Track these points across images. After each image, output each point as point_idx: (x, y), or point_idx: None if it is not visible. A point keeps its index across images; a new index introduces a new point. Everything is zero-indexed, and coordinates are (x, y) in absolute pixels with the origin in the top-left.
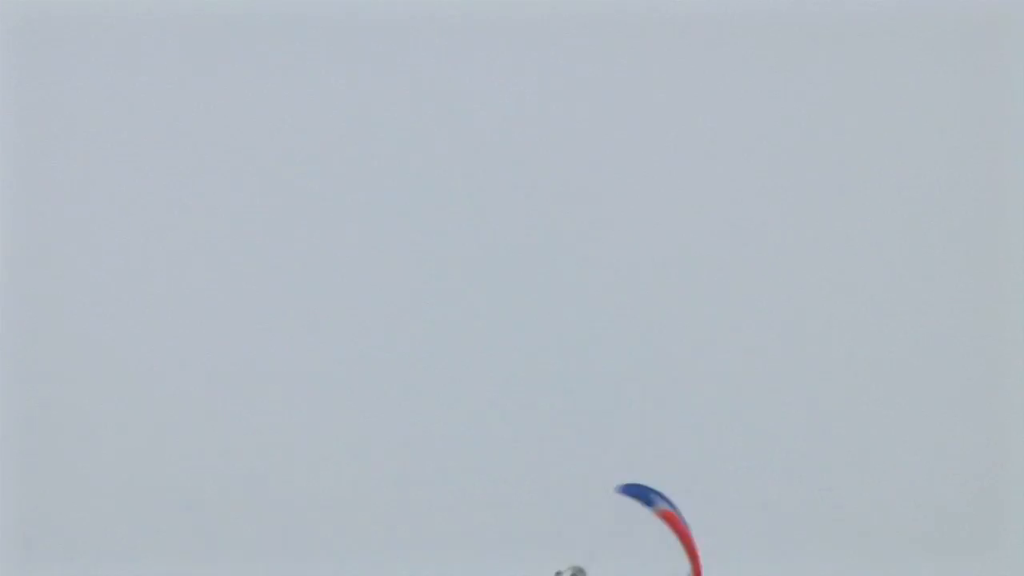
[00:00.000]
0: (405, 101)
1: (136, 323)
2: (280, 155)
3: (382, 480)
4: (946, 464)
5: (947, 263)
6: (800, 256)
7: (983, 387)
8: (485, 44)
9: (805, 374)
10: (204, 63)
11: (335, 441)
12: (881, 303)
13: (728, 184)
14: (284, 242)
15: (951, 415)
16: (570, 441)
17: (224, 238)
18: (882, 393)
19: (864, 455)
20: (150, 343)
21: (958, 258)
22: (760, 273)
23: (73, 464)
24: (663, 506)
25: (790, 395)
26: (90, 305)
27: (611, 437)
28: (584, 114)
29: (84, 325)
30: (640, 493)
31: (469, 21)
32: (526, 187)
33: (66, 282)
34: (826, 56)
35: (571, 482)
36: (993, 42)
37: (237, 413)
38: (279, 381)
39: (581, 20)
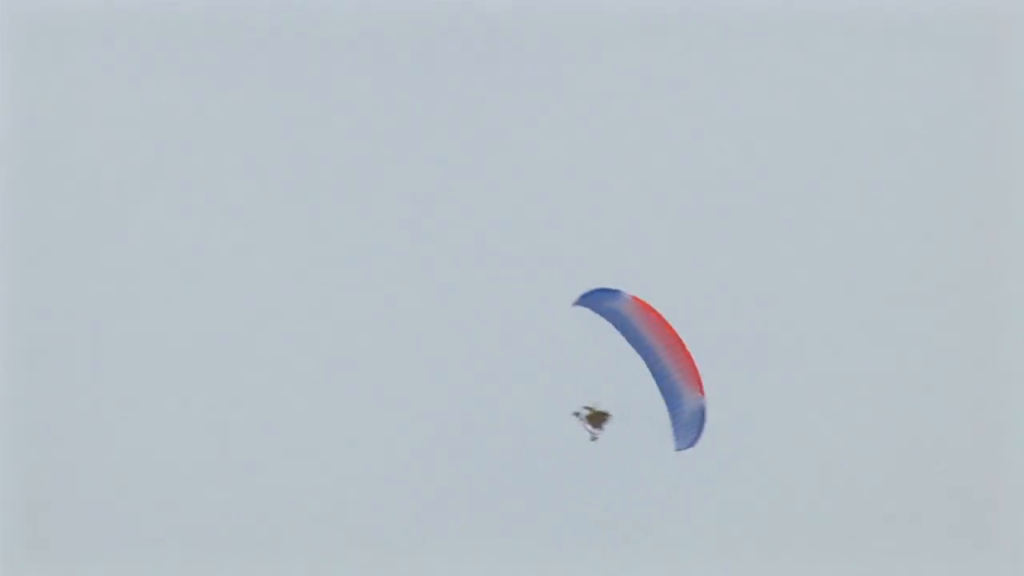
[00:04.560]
0: (407, 99)
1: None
2: (276, 150)
3: (379, 480)
4: (946, 464)
5: (946, 263)
6: (799, 257)
7: (982, 388)
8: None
9: (804, 376)
10: (201, 59)
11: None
12: (880, 303)
13: (727, 185)
14: (282, 241)
15: (950, 415)
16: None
17: (223, 235)
18: (882, 395)
19: (862, 456)
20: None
21: (957, 258)
22: (760, 274)
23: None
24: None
25: (788, 396)
26: (90, 302)
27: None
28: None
29: (85, 323)
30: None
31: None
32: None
33: (63, 276)
34: (825, 56)
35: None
36: (993, 42)
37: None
38: (276, 379)
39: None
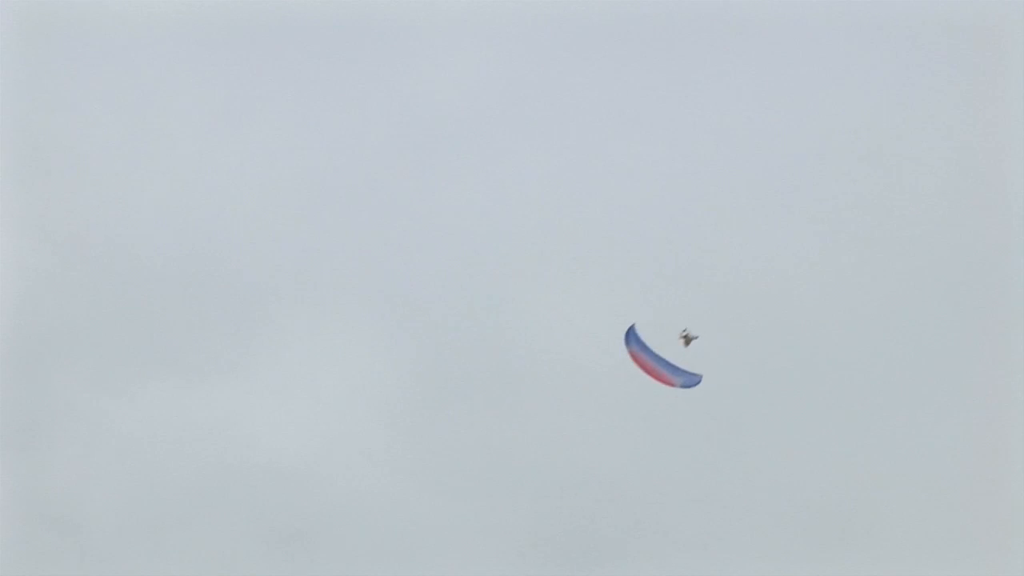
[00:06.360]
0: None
1: None
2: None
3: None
4: (945, 463)
5: (947, 263)
6: (798, 258)
7: (982, 387)
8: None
9: (803, 376)
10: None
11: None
12: (880, 304)
13: (726, 187)
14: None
15: (949, 415)
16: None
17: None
18: (881, 395)
19: (862, 456)
20: None
21: (957, 258)
22: (759, 274)
23: None
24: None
25: (787, 397)
26: None
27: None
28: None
29: None
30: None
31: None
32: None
33: None
34: (827, 56)
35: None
36: (993, 42)
37: None
38: None
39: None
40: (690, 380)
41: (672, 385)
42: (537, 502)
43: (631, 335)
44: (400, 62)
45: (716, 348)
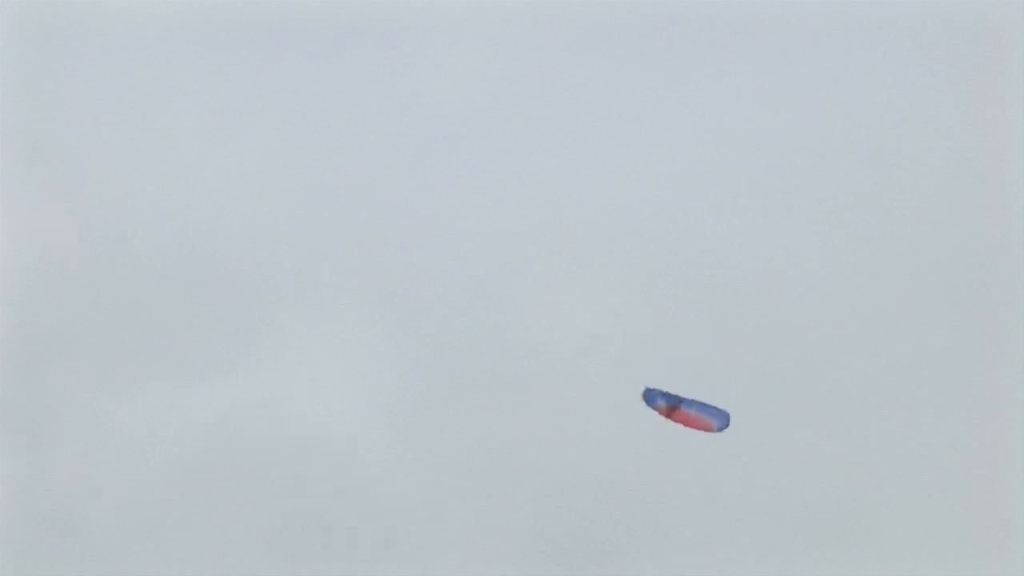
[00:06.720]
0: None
1: None
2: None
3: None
4: (944, 464)
5: (947, 263)
6: (798, 258)
7: (982, 388)
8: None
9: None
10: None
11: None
12: (880, 304)
13: (726, 187)
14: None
15: (948, 416)
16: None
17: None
18: (881, 395)
19: (862, 456)
20: None
21: (957, 258)
22: (759, 274)
23: None
24: (661, 404)
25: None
26: None
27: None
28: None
29: None
30: (649, 397)
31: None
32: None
33: None
34: (827, 56)
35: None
36: (993, 42)
37: None
38: None
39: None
40: (725, 421)
41: (712, 430)
42: (537, 502)
43: (649, 395)
44: (400, 62)
45: (715, 348)
